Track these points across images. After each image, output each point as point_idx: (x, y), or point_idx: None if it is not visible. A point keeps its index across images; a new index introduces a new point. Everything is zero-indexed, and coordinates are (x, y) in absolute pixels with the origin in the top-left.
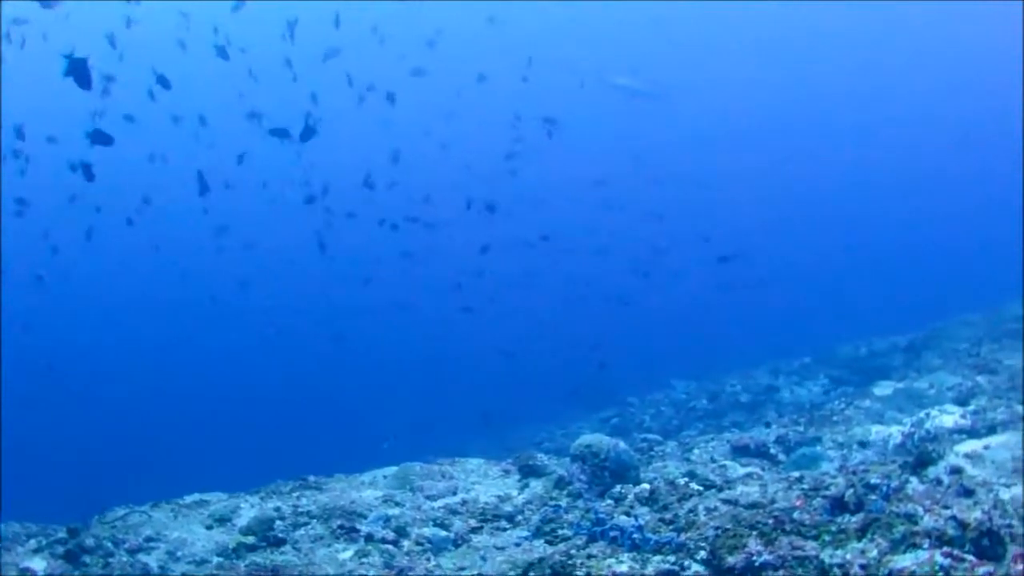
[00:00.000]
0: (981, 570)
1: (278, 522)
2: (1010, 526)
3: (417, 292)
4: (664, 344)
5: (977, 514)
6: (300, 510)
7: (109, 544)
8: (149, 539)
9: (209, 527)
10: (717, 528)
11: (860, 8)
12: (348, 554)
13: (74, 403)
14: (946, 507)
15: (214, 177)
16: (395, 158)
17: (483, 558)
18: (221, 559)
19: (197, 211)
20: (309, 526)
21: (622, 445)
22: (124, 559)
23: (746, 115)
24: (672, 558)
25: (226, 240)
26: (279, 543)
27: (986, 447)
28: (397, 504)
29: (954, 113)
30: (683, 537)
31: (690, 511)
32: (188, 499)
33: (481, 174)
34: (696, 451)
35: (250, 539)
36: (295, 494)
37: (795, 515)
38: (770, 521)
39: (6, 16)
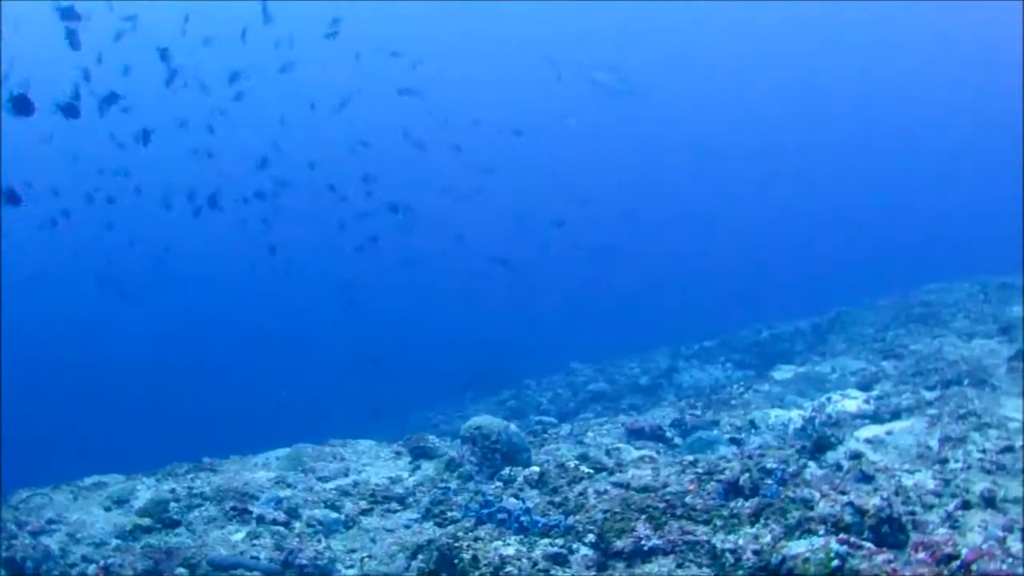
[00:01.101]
0: (879, 558)
1: (173, 504)
2: (913, 513)
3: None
4: (566, 328)
5: (876, 500)
6: (194, 492)
7: (13, 526)
8: (51, 521)
9: (108, 509)
10: (606, 511)
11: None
12: (240, 536)
13: None
14: (843, 493)
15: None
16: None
17: (373, 540)
18: (119, 541)
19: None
20: (203, 508)
21: (512, 427)
22: (27, 541)
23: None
24: (560, 541)
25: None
26: (173, 525)
27: (889, 433)
28: (289, 486)
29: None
30: (571, 520)
31: (580, 494)
32: (88, 481)
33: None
34: (590, 434)
35: (146, 521)
36: (190, 476)
37: (687, 499)
38: (661, 505)
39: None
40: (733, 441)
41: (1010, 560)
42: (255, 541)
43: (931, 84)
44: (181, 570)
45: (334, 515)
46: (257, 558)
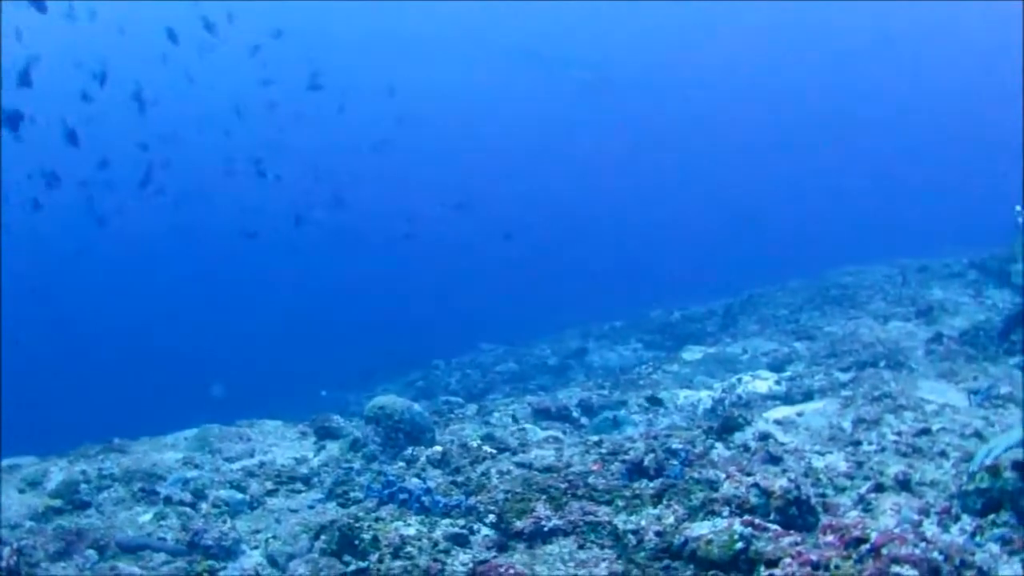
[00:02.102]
0: (786, 540)
1: (83, 485)
2: (823, 496)
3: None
4: (477, 310)
5: (783, 482)
6: (104, 473)
7: None
8: None
9: (22, 491)
10: (507, 492)
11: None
12: (147, 517)
13: None
14: (749, 474)
15: None
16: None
17: (278, 520)
18: (32, 523)
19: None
20: (112, 489)
21: (416, 407)
22: None
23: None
24: (461, 521)
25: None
26: (84, 506)
27: (800, 414)
28: (196, 467)
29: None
30: (472, 501)
31: (482, 474)
32: (2, 463)
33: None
34: (496, 414)
35: (57, 502)
36: (100, 457)
37: (590, 479)
38: (562, 485)
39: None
40: (640, 422)
41: (923, 544)
42: (162, 522)
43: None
44: (90, 552)
45: (240, 496)
46: (164, 539)
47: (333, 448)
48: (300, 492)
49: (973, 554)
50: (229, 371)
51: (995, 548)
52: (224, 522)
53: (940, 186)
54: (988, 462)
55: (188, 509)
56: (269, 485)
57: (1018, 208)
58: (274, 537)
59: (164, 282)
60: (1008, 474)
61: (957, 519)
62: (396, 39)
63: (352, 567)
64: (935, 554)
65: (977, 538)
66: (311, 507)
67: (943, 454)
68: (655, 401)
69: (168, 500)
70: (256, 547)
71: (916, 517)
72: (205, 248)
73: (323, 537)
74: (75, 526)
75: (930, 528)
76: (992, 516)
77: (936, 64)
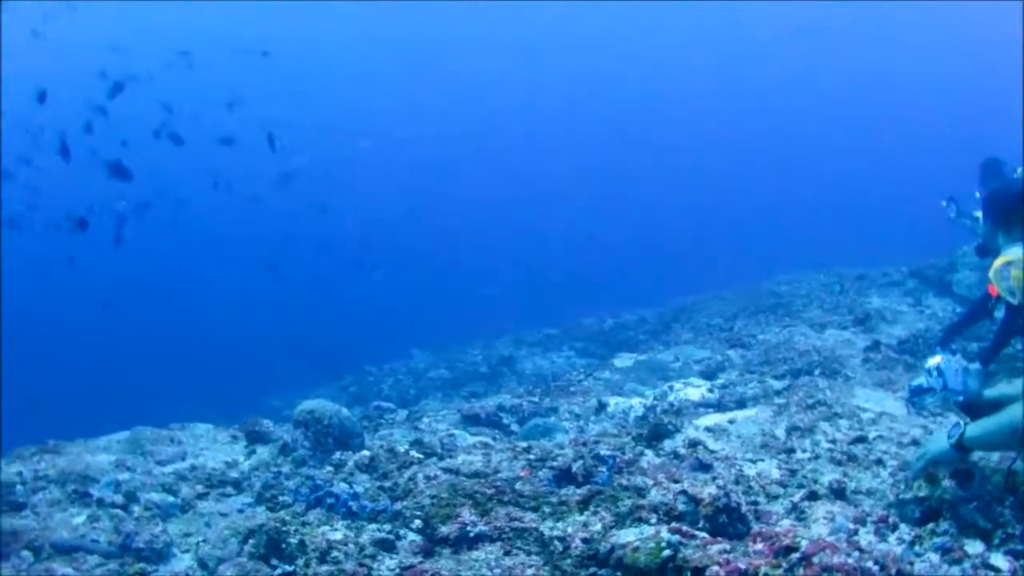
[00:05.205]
0: (714, 548)
1: (19, 487)
2: (755, 503)
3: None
4: (407, 315)
5: (712, 489)
6: (40, 474)
7: None
8: None
9: None
10: (433, 497)
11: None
12: (81, 519)
13: None
14: (677, 481)
15: None
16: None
17: (208, 524)
18: None
19: None
20: (47, 490)
21: (345, 411)
22: None
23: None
24: (388, 527)
25: None
26: (19, 508)
27: (732, 421)
28: (128, 469)
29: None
30: (399, 505)
31: (409, 479)
32: None
33: None
34: (426, 420)
35: None
36: (35, 458)
37: (517, 486)
38: (489, 491)
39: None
40: (570, 428)
41: (857, 554)
42: (95, 524)
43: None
44: (26, 552)
45: (171, 499)
46: (97, 541)
47: (263, 452)
48: (230, 496)
49: (912, 563)
50: (159, 374)
51: (935, 557)
52: (156, 525)
53: (897, 196)
54: (920, 465)
55: (120, 511)
56: (200, 488)
57: (944, 203)
58: (204, 541)
59: (98, 282)
60: (947, 483)
61: (895, 528)
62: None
63: (279, 571)
64: (870, 563)
65: (916, 547)
66: (240, 511)
67: (879, 462)
68: (601, 407)
69: (101, 502)
70: (187, 550)
71: (851, 526)
72: (143, 253)
73: (251, 541)
74: (11, 527)
75: (866, 537)
76: (931, 525)
77: (908, 67)
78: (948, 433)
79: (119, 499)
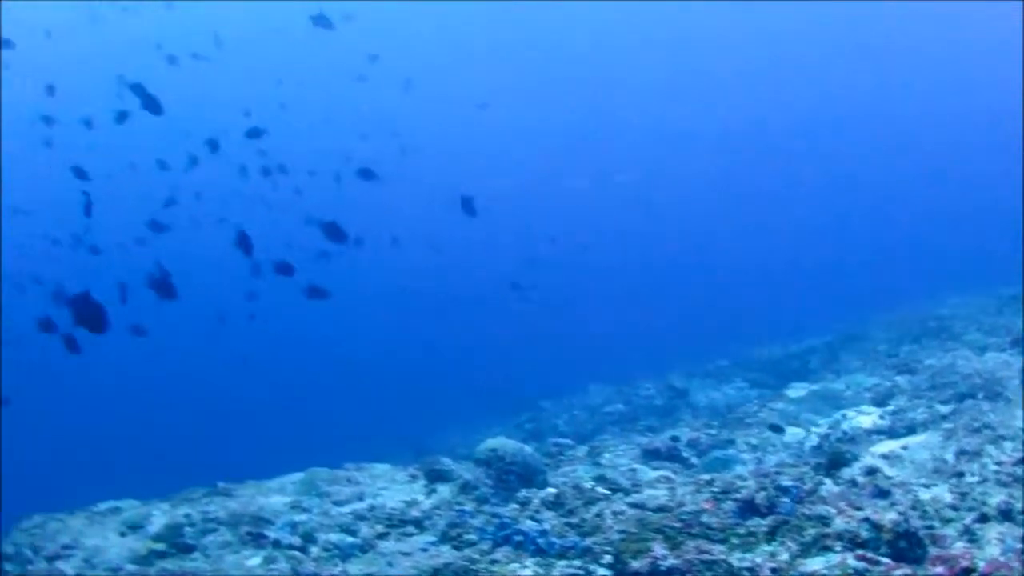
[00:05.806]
0: (897, 572)
1: (187, 529)
2: (931, 528)
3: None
4: (582, 350)
5: (892, 515)
6: (209, 516)
7: (28, 551)
8: (66, 546)
9: (123, 534)
10: (622, 532)
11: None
12: (256, 560)
13: None
14: (859, 509)
15: None
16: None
17: (390, 563)
18: (134, 566)
19: None
20: (218, 532)
21: (528, 449)
22: (42, 566)
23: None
24: (577, 563)
25: None
26: (188, 550)
27: (904, 447)
28: (304, 510)
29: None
30: (588, 541)
31: (596, 515)
32: (103, 506)
33: None
34: (607, 455)
35: (160, 546)
36: (205, 500)
37: (703, 518)
38: (677, 524)
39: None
40: (749, 460)
41: None
42: (271, 566)
43: (932, 88)
44: None
45: (350, 539)
46: None
47: (444, 491)
48: (412, 535)
49: None
50: (329, 415)
51: None
52: (335, 565)
53: None
54: None
55: (298, 553)
56: (380, 528)
57: None
58: None
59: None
60: None
61: None
62: None
63: None
64: None
65: None
66: (424, 550)
67: None
68: (776, 428)
69: (277, 544)
70: None
71: (1019, 546)
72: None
73: None
74: (180, 569)
75: None
76: None
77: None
78: None
79: (296, 540)
